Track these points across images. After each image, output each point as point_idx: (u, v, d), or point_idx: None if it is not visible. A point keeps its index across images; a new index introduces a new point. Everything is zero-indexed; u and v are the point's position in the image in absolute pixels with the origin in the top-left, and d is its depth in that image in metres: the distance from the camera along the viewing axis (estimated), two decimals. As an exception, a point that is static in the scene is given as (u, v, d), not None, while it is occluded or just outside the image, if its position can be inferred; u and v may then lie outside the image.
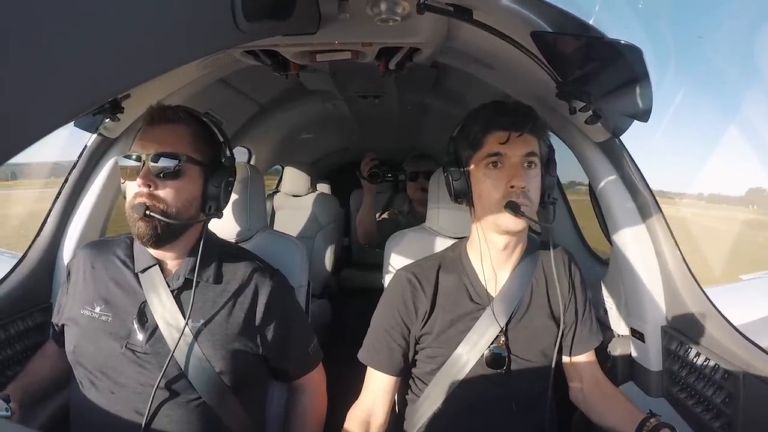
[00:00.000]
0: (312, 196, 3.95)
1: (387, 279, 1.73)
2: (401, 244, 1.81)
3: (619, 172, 1.54)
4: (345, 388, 1.61)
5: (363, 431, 1.41)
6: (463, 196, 1.39)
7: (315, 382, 1.60)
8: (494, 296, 1.41)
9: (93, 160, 1.79)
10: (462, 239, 1.56)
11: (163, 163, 1.27)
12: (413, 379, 1.50)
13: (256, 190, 1.80)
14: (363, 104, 3.25)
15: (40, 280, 1.70)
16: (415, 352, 1.45)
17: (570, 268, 1.48)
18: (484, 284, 1.42)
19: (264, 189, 1.90)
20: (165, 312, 1.33)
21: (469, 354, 1.37)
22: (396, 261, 1.78)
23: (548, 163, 1.39)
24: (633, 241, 1.53)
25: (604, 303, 1.77)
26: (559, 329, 1.41)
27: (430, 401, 1.41)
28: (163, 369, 1.27)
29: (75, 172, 1.77)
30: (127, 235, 1.48)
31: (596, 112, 1.31)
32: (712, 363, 1.32)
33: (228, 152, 1.43)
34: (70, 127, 1.62)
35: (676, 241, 1.48)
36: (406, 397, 1.53)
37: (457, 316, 1.40)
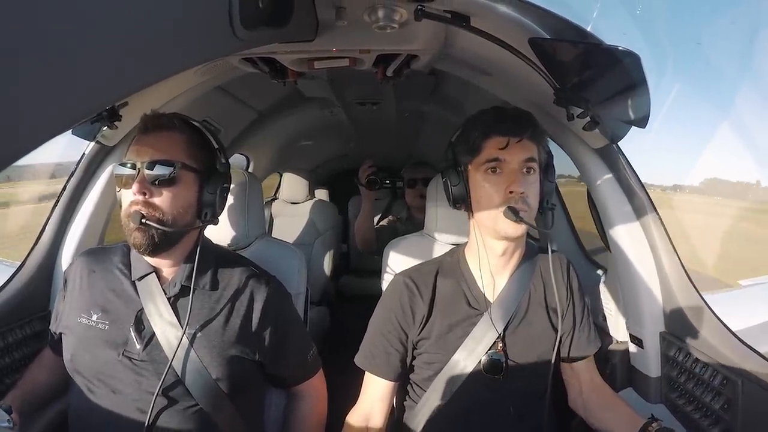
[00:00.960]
0: (310, 203, 3.94)
1: (385, 285, 1.73)
2: (399, 250, 1.81)
3: (616, 177, 1.54)
4: (343, 395, 1.60)
5: None
6: (461, 201, 1.39)
7: (314, 388, 1.59)
8: (492, 302, 1.41)
9: (91, 167, 1.79)
10: (460, 245, 1.56)
11: (158, 170, 1.27)
12: (411, 384, 1.49)
13: (254, 197, 1.80)
14: (361, 111, 3.25)
15: (39, 288, 1.70)
16: (413, 358, 1.45)
17: (568, 274, 1.48)
18: (482, 290, 1.42)
19: (262, 196, 1.90)
20: (162, 319, 1.33)
21: (467, 360, 1.36)
22: (394, 267, 1.78)
23: (547, 168, 1.39)
24: (631, 247, 1.53)
25: (603, 309, 1.77)
26: (557, 335, 1.40)
27: (428, 407, 1.41)
28: (162, 376, 1.26)
29: (73, 180, 1.76)
30: (124, 243, 1.47)
31: (594, 118, 1.31)
32: (710, 369, 1.32)
33: (223, 158, 1.43)
34: (68, 134, 1.62)
35: (674, 247, 1.48)
36: (405, 403, 1.52)
37: (454, 321, 1.39)
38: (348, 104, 3.11)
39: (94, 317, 1.35)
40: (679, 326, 1.44)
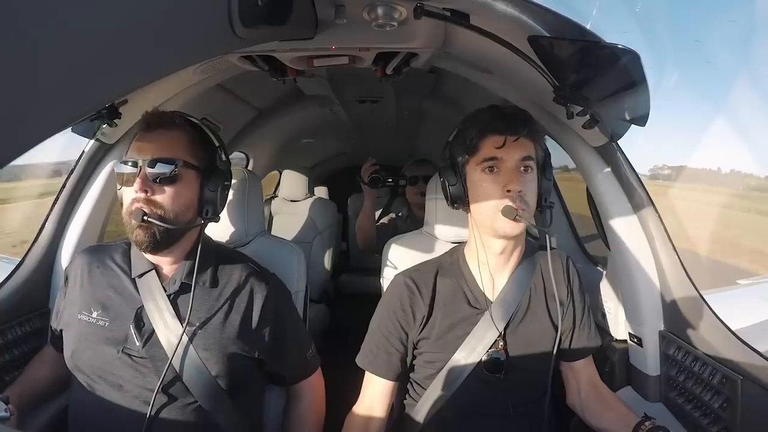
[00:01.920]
0: (309, 201, 3.95)
1: (385, 283, 1.73)
2: (399, 249, 1.81)
3: (616, 176, 1.54)
4: (343, 393, 1.60)
5: None
6: (459, 200, 1.39)
7: (313, 387, 1.60)
8: (492, 301, 1.41)
9: (91, 165, 1.79)
10: (460, 244, 1.56)
11: (160, 168, 1.28)
12: (412, 383, 1.49)
13: (253, 195, 1.80)
14: (360, 109, 3.25)
15: (38, 285, 1.70)
16: (414, 357, 1.45)
17: (568, 273, 1.48)
18: (482, 289, 1.42)
19: (261, 194, 1.90)
20: (161, 317, 1.33)
21: (468, 359, 1.36)
22: (394, 265, 1.78)
23: (544, 166, 1.39)
24: (630, 246, 1.53)
25: (602, 307, 1.77)
26: (557, 334, 1.40)
27: (428, 406, 1.41)
28: (162, 374, 1.27)
29: (73, 178, 1.76)
30: (124, 241, 1.48)
31: (593, 116, 1.31)
32: (709, 368, 1.32)
33: (223, 156, 1.44)
34: (67, 132, 1.62)
35: (674, 246, 1.48)
36: (405, 401, 1.52)
37: (455, 320, 1.39)
38: (347, 102, 3.11)
39: (95, 314, 1.35)
40: (678, 325, 1.45)
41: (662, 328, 1.50)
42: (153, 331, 1.33)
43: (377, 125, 3.94)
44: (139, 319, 1.34)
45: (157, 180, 1.28)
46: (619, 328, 1.67)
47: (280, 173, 4.25)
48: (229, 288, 1.42)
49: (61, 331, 1.42)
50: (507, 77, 1.62)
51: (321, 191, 4.94)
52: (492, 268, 1.42)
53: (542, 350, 1.40)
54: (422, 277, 1.45)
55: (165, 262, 1.40)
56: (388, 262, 1.80)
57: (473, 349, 1.36)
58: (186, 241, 1.40)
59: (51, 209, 1.76)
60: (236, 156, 3.32)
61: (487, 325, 1.37)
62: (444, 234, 1.76)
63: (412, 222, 3.00)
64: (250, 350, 1.40)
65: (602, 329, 1.72)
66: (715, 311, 1.37)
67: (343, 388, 1.63)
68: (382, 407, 1.44)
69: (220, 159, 1.42)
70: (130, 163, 1.29)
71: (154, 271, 1.38)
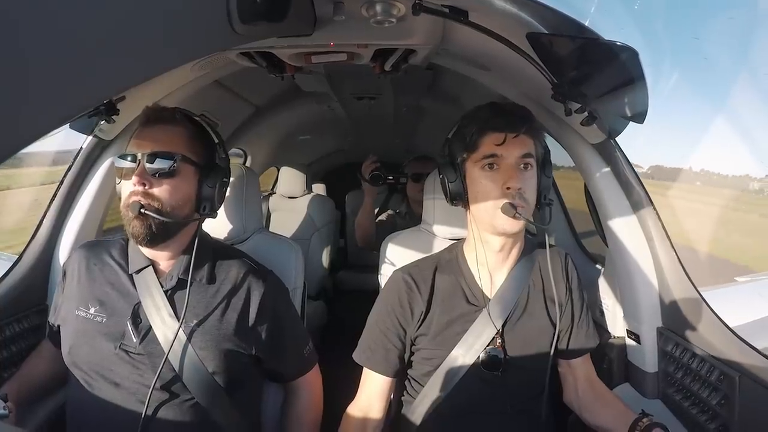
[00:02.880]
0: (308, 198, 3.93)
1: (383, 280, 1.73)
2: (397, 245, 1.81)
3: (614, 172, 1.54)
4: (341, 390, 1.60)
5: None
6: (458, 197, 1.39)
7: (311, 383, 1.60)
8: (491, 298, 1.41)
9: (89, 162, 1.78)
10: (459, 240, 1.56)
11: (159, 163, 1.29)
12: (409, 380, 1.49)
13: (251, 192, 1.80)
14: (359, 106, 3.25)
15: (36, 281, 1.70)
16: (411, 354, 1.45)
17: (567, 270, 1.48)
18: (480, 286, 1.42)
19: (260, 191, 1.90)
20: (158, 313, 1.33)
21: (466, 355, 1.37)
22: (392, 261, 1.78)
23: (544, 164, 1.39)
24: (629, 243, 1.53)
25: (600, 304, 1.77)
26: (555, 331, 1.40)
27: (426, 402, 1.41)
28: (158, 370, 1.27)
29: (71, 174, 1.76)
30: (122, 236, 1.48)
31: (592, 113, 1.31)
32: (707, 365, 1.32)
33: (223, 153, 1.44)
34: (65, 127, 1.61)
35: (671, 243, 1.49)
36: (402, 398, 1.52)
37: (453, 317, 1.39)
38: (345, 99, 3.11)
39: (92, 310, 1.35)
40: (676, 322, 1.45)
41: (660, 325, 1.51)
42: (150, 327, 1.33)
43: (375, 122, 3.93)
44: (136, 316, 1.34)
45: (156, 174, 1.29)
46: (617, 325, 1.67)
47: (278, 170, 4.25)
48: (227, 285, 1.42)
49: (58, 326, 1.42)
50: (505, 74, 1.62)
51: (319, 188, 4.94)
52: (491, 265, 1.42)
53: (540, 348, 1.40)
54: (420, 274, 1.45)
55: (162, 258, 1.40)
56: (386, 259, 1.80)
57: (471, 347, 1.37)
58: (183, 237, 1.40)
59: (49, 205, 1.76)
60: (234, 153, 3.32)
61: (485, 323, 1.37)
62: (442, 230, 1.76)
63: (410, 219, 3.00)
64: (247, 347, 1.40)
65: (600, 326, 1.73)
66: (713, 308, 1.38)
67: (341, 384, 1.63)
68: (380, 403, 1.44)
69: (219, 156, 1.43)
70: (129, 157, 1.29)
71: (151, 267, 1.39)
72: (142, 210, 1.25)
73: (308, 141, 4.43)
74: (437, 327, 1.39)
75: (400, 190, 3.32)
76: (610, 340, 1.68)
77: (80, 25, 0.48)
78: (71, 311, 1.38)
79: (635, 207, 1.53)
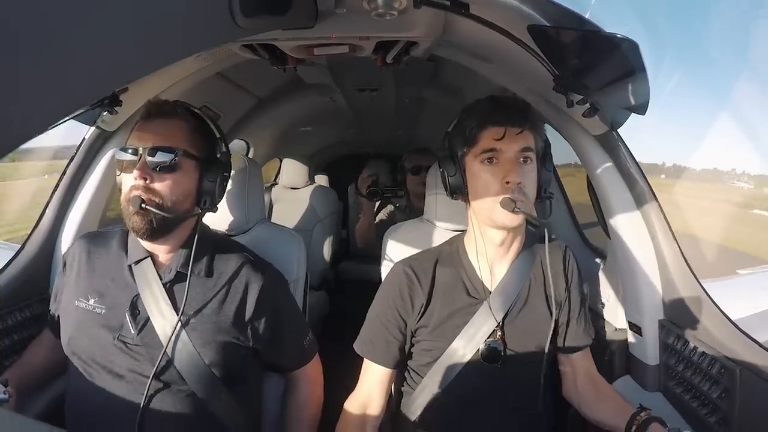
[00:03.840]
0: (310, 189, 3.94)
1: (384, 271, 1.73)
2: (398, 236, 1.81)
3: (616, 164, 1.54)
4: (342, 380, 1.61)
5: (359, 422, 1.42)
6: (458, 191, 1.40)
7: (311, 374, 1.61)
8: (491, 291, 1.41)
9: (91, 152, 1.79)
10: (459, 233, 1.56)
11: (160, 157, 1.29)
12: (409, 371, 1.50)
13: (254, 183, 1.80)
14: (361, 97, 3.25)
15: (39, 271, 1.71)
16: (412, 345, 1.46)
17: (567, 264, 1.48)
18: (480, 278, 1.43)
19: (262, 182, 1.90)
20: (156, 305, 1.34)
21: (466, 348, 1.37)
22: (394, 253, 1.78)
23: (544, 157, 1.39)
24: (631, 235, 1.53)
25: (602, 296, 1.77)
26: (554, 325, 1.41)
27: (425, 393, 1.42)
28: (157, 361, 1.28)
29: (73, 165, 1.77)
30: (122, 228, 1.48)
31: (593, 105, 1.31)
32: (708, 357, 1.32)
33: (224, 147, 1.44)
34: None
35: (674, 235, 1.48)
36: (402, 389, 1.53)
37: (453, 309, 1.40)
38: (347, 91, 3.11)
39: (91, 301, 1.36)
40: (678, 314, 1.45)
41: (662, 318, 1.51)
42: (148, 318, 1.34)
43: (377, 113, 3.93)
44: (135, 307, 1.35)
45: (157, 168, 1.29)
46: (618, 317, 1.67)
47: (281, 161, 4.25)
48: (225, 278, 1.42)
49: (58, 316, 1.43)
50: (507, 66, 1.62)
51: (321, 179, 4.94)
52: (491, 258, 1.42)
53: (539, 341, 1.41)
54: (421, 266, 1.45)
55: (161, 251, 1.41)
56: (387, 250, 1.81)
57: (471, 339, 1.37)
58: (183, 230, 1.40)
59: (51, 196, 1.77)
60: (236, 144, 3.33)
61: (485, 315, 1.38)
62: (443, 223, 1.76)
63: (411, 213, 3.02)
64: (245, 340, 1.41)
65: (601, 318, 1.73)
66: (715, 301, 1.38)
67: (342, 374, 1.64)
68: (380, 394, 1.45)
69: (220, 150, 1.43)
70: (130, 151, 1.30)
71: (149, 259, 1.39)
72: (143, 205, 1.26)
73: (310, 132, 4.43)
74: (438, 319, 1.40)
75: (402, 183, 3.33)
76: (612, 333, 1.68)
77: (84, 19, 0.48)
78: (71, 302, 1.39)
79: (637, 199, 1.53)
